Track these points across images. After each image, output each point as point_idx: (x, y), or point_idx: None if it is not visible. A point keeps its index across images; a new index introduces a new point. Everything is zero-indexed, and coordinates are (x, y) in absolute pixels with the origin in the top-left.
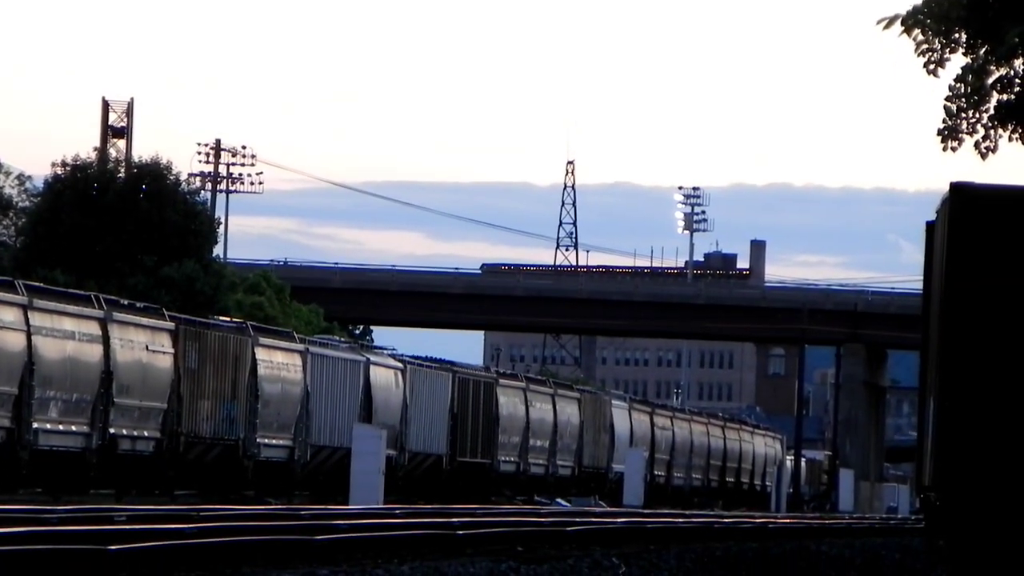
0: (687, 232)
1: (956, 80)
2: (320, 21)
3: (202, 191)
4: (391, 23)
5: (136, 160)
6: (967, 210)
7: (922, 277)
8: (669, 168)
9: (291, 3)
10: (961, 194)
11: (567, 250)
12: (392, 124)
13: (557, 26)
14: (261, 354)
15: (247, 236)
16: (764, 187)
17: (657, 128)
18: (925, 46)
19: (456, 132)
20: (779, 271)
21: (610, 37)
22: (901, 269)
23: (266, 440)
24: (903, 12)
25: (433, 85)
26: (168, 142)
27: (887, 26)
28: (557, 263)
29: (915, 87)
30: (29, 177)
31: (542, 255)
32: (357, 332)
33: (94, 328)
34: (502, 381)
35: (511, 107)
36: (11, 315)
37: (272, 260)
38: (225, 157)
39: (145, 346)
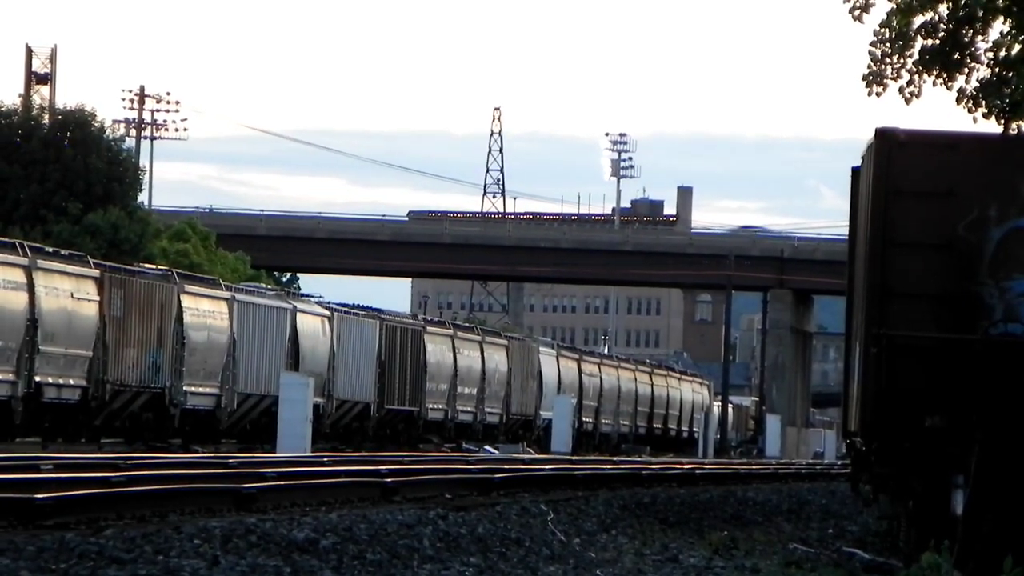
0: (614, 178)
1: (881, 25)
2: None
3: (126, 138)
4: None
5: (60, 107)
6: (892, 154)
7: (848, 223)
8: (591, 116)
9: None
10: (886, 139)
11: (494, 197)
12: (310, 71)
13: None
14: (187, 302)
15: (164, 183)
16: (684, 135)
17: (578, 76)
18: None
19: (374, 79)
20: (701, 217)
21: None
22: (823, 215)
23: (192, 388)
24: None
25: (351, 33)
26: (92, 89)
27: None
28: (484, 210)
29: (832, 36)
30: None
31: (466, 202)
32: (284, 280)
33: (19, 276)
34: (430, 328)
35: (429, 54)
36: None
37: (197, 207)
38: (149, 104)
39: (70, 294)
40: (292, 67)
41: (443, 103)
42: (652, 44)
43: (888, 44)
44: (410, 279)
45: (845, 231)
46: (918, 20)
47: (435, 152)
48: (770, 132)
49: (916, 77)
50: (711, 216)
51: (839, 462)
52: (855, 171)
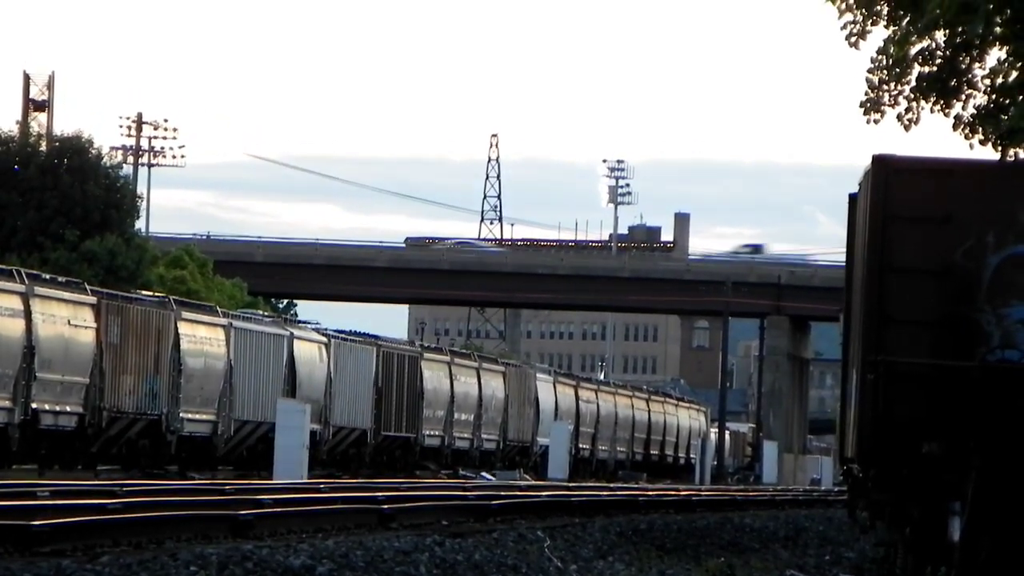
0: (611, 205)
1: (878, 52)
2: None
3: (124, 165)
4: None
5: (58, 134)
6: (889, 181)
7: (844, 249)
8: (588, 143)
9: None
10: (884, 165)
11: (492, 223)
12: (306, 97)
13: (475, 1)
14: (184, 328)
15: (162, 209)
16: (681, 161)
17: (575, 103)
18: (849, 16)
19: (371, 106)
20: (698, 243)
21: (527, 11)
22: (819, 241)
23: (189, 415)
24: None
25: (348, 60)
26: (90, 116)
27: None
28: (481, 236)
29: (830, 63)
30: None
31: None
32: (281, 306)
33: (16, 303)
34: (426, 355)
35: (426, 81)
36: None
37: (195, 234)
38: (147, 131)
39: (67, 320)
40: (289, 94)
41: (440, 130)
42: (649, 70)
43: (885, 71)
44: (407, 306)
45: (842, 258)
46: (915, 47)
47: (432, 179)
48: (767, 159)
49: (913, 104)
50: (708, 243)
51: (836, 488)
52: (852, 197)
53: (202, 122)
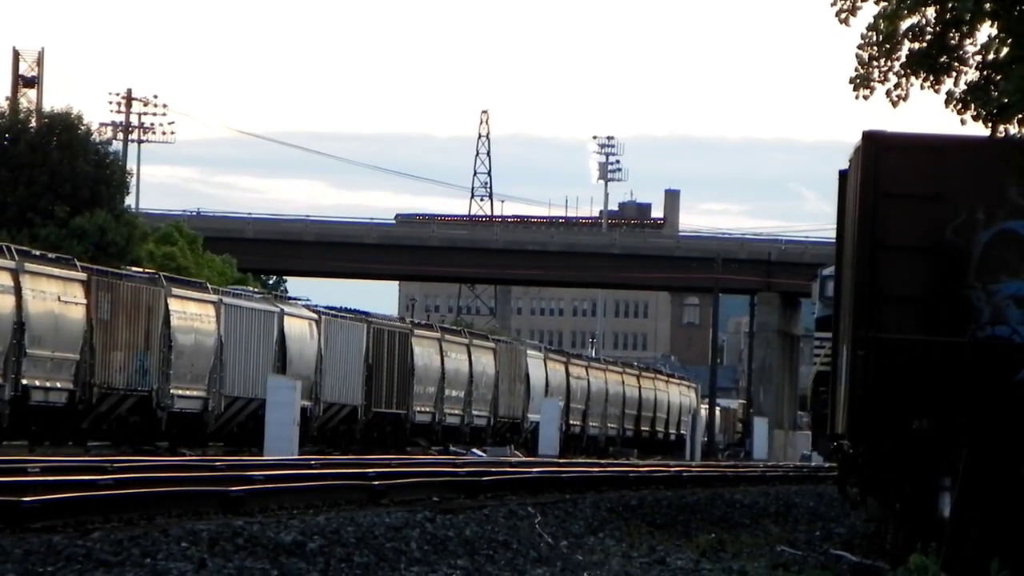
0: (601, 181)
1: (868, 28)
2: None
3: (113, 141)
4: None
5: (47, 111)
6: (880, 157)
7: (834, 226)
8: (575, 118)
9: None
10: (874, 142)
11: (482, 200)
12: (290, 72)
13: None
14: (174, 305)
15: (147, 185)
16: (666, 137)
17: (561, 77)
18: None
19: (354, 82)
20: (685, 219)
21: None
22: (806, 217)
23: (180, 391)
24: None
25: (332, 35)
26: (80, 92)
27: None
28: (472, 213)
29: (813, 38)
30: None
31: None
32: (271, 283)
33: (6, 279)
34: (417, 331)
35: (411, 56)
36: None
37: (184, 210)
38: (137, 107)
39: (57, 297)
40: (272, 68)
41: (425, 105)
42: (635, 45)
43: (875, 47)
44: (397, 282)
45: (831, 234)
46: (905, 23)
47: (418, 154)
48: (752, 134)
49: (903, 80)
50: (695, 219)
51: (826, 464)
52: (843, 174)
53: (185, 96)
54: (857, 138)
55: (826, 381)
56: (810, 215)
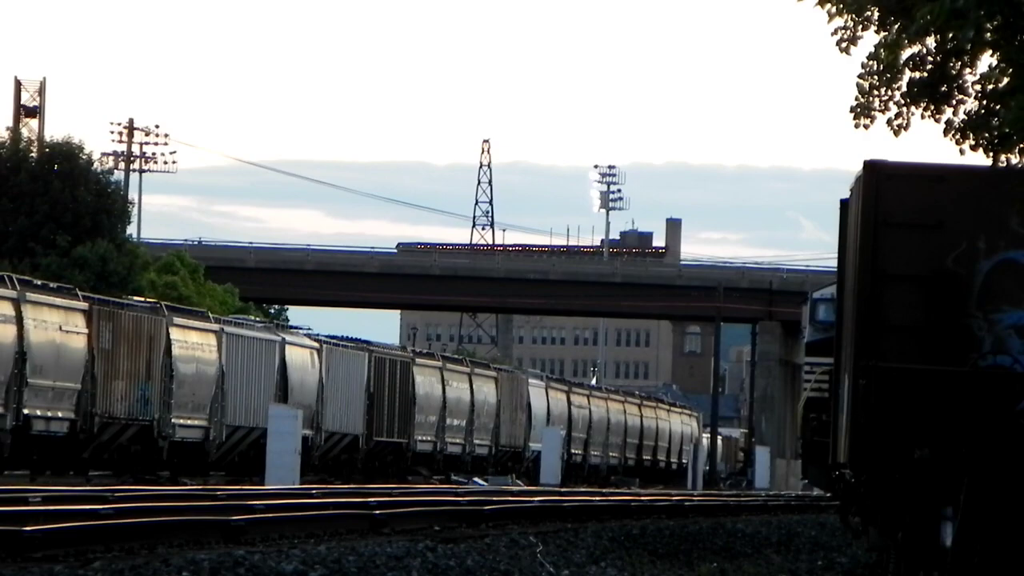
0: (603, 210)
1: (869, 58)
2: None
3: (115, 171)
4: (291, 2)
5: (49, 140)
6: (881, 187)
7: (835, 254)
8: (573, 147)
9: None
10: (875, 171)
11: (483, 229)
12: (288, 100)
13: (459, 8)
14: (175, 334)
15: (145, 214)
16: (663, 166)
17: (557, 106)
18: (839, 21)
19: (350, 110)
20: (684, 248)
21: (512, 16)
22: (804, 246)
23: (181, 420)
24: None
25: (331, 63)
26: (81, 122)
27: None
28: (473, 242)
29: (810, 67)
30: None
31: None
32: (273, 312)
33: (7, 308)
34: (418, 360)
35: (407, 86)
36: None
37: (186, 240)
38: (138, 136)
39: (59, 326)
40: (270, 96)
41: (423, 134)
42: (632, 73)
43: (876, 77)
44: (399, 311)
45: (832, 263)
46: (906, 53)
47: (416, 183)
48: (749, 162)
49: (904, 109)
50: (694, 247)
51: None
52: (844, 203)
53: (184, 125)
54: (855, 167)
55: (817, 407)
56: (808, 243)
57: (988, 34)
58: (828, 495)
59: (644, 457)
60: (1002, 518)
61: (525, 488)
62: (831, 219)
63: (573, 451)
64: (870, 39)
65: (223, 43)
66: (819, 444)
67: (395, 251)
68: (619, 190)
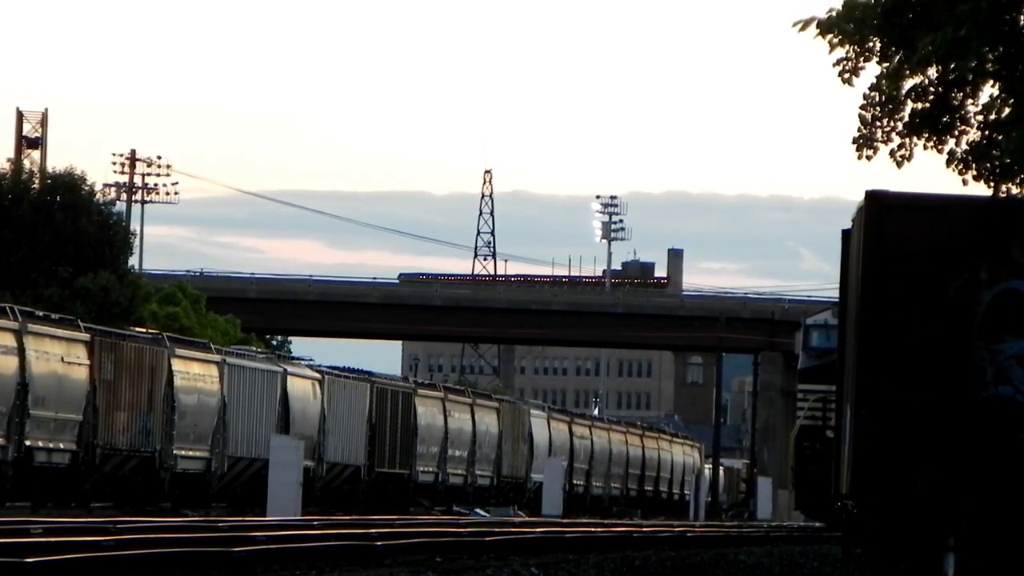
0: (604, 241)
1: (871, 89)
2: (223, 31)
3: (117, 202)
4: (290, 32)
5: (51, 171)
6: (883, 217)
7: (836, 284)
8: (572, 176)
9: (197, 16)
10: (877, 201)
11: (485, 259)
12: (288, 133)
13: (459, 37)
14: (177, 365)
15: (146, 245)
16: (662, 195)
17: (556, 136)
18: (841, 52)
19: (352, 141)
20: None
21: (512, 45)
22: (805, 276)
23: (183, 452)
24: (820, 16)
25: (329, 93)
26: (83, 153)
27: (803, 28)
28: (475, 272)
29: (808, 97)
30: None
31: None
32: (274, 343)
33: (9, 340)
34: (420, 391)
35: (406, 116)
36: None
37: (188, 270)
38: (140, 167)
39: (61, 358)
40: (270, 127)
41: (423, 164)
42: (631, 102)
43: (878, 108)
44: (401, 341)
45: (833, 293)
46: (908, 84)
47: (416, 214)
48: (748, 192)
49: (906, 140)
50: (694, 278)
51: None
52: (846, 233)
53: (184, 156)
54: (855, 197)
55: (810, 436)
56: (808, 273)
57: (989, 64)
58: (821, 525)
59: (646, 488)
60: (1004, 548)
61: (527, 519)
62: (831, 249)
63: (575, 482)
64: (872, 70)
65: (223, 75)
66: (812, 473)
67: (397, 282)
68: (621, 220)
